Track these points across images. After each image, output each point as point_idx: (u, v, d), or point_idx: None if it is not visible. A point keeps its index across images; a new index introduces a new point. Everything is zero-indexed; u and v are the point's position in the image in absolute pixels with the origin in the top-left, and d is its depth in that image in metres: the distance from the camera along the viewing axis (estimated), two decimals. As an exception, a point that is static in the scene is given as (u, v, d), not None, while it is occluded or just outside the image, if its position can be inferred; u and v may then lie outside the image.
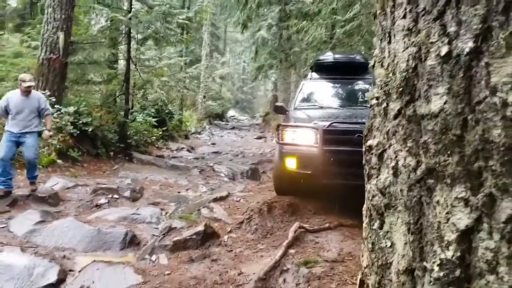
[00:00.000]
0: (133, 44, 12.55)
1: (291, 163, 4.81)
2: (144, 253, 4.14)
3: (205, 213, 5.19)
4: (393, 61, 1.61)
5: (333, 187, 4.63)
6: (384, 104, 1.67)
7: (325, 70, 6.56)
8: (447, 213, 1.33)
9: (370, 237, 1.77)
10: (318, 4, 12.12)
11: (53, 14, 9.21)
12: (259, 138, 19.91)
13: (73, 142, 8.70)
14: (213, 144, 16.54)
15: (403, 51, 1.54)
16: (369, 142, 1.80)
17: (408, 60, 1.50)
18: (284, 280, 3.32)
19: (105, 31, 12.51)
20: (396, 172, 1.59)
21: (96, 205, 5.80)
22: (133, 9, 11.05)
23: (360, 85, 6.34)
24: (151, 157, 10.88)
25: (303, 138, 4.79)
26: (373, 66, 1.78)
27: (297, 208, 4.95)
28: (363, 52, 9.39)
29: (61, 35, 9.14)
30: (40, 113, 5.88)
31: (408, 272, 1.52)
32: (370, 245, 1.77)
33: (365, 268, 1.83)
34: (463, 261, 1.29)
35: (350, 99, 6.12)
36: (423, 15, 1.43)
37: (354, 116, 5.02)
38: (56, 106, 8.45)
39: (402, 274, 1.55)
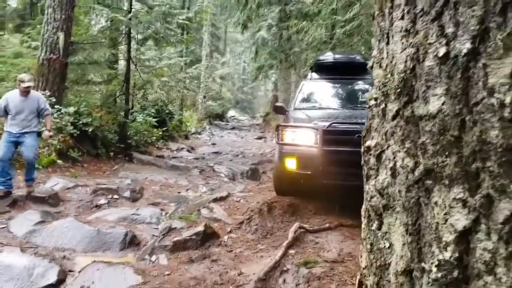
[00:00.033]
0: (133, 44, 12.55)
1: (291, 164, 4.80)
2: (144, 254, 4.14)
3: (205, 214, 5.19)
4: (391, 62, 1.61)
5: (333, 187, 4.63)
6: (383, 105, 1.67)
7: (325, 70, 6.56)
8: (445, 214, 1.34)
9: (369, 238, 1.77)
10: (318, 5, 12.13)
11: (53, 14, 9.21)
12: (259, 138, 19.91)
13: (73, 143, 8.70)
14: (213, 144, 16.54)
15: (401, 52, 1.54)
16: (368, 143, 1.81)
17: (406, 61, 1.50)
18: (284, 281, 3.32)
19: (105, 31, 12.51)
20: (394, 173, 1.59)
21: (96, 206, 5.79)
22: (133, 10, 11.05)
23: (360, 85, 6.33)
24: (151, 157, 10.88)
25: (303, 139, 4.78)
26: (372, 67, 1.79)
27: (297, 208, 4.95)
28: (363, 52, 9.39)
29: (61, 36, 9.15)
30: (39, 113, 5.87)
31: (406, 273, 1.52)
32: (368, 246, 1.77)
33: (363, 269, 1.83)
34: (461, 262, 1.29)
35: (350, 99, 6.11)
36: (421, 16, 1.43)
37: (354, 117, 5.02)
38: (56, 106, 8.45)
39: (400, 275, 1.55)
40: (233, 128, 26.22)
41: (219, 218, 5.08)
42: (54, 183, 6.66)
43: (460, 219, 1.28)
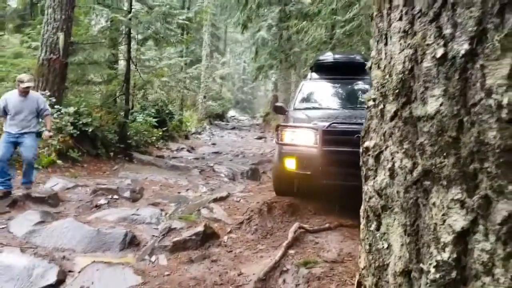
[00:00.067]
0: (133, 45, 12.56)
1: (290, 164, 4.80)
2: (143, 254, 4.14)
3: (205, 214, 5.19)
4: (389, 63, 1.62)
5: (333, 187, 4.62)
6: (381, 106, 1.67)
7: (325, 70, 6.55)
8: (443, 214, 1.34)
9: (367, 238, 1.77)
10: (318, 5, 12.13)
11: (53, 14, 9.22)
12: (260, 138, 19.91)
13: (73, 143, 8.71)
14: (213, 144, 16.55)
15: (399, 53, 1.54)
16: (366, 144, 1.81)
17: (404, 62, 1.50)
18: (284, 281, 3.32)
19: (105, 31, 12.51)
20: (392, 174, 1.60)
21: (96, 206, 5.80)
22: (133, 10, 11.06)
23: (360, 85, 6.33)
24: (151, 157, 10.89)
25: (303, 139, 4.78)
26: (370, 67, 1.79)
27: (297, 209, 4.95)
28: (363, 52, 9.38)
29: (61, 36, 9.15)
30: (39, 114, 5.87)
31: (404, 273, 1.52)
32: (367, 247, 1.77)
33: (362, 269, 1.84)
34: (459, 262, 1.29)
35: (350, 99, 6.11)
36: (419, 17, 1.43)
37: (353, 117, 5.01)
38: (56, 106, 8.46)
39: (398, 275, 1.55)
40: (233, 128, 26.23)
41: (219, 218, 5.09)
42: (54, 183, 6.66)
43: (458, 220, 1.28)
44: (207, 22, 24.12)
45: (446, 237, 1.32)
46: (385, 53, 1.67)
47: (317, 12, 12.34)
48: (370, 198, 1.76)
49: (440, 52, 1.33)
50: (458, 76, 1.27)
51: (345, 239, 4.10)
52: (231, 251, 4.15)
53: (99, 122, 9.75)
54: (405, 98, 1.51)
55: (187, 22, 12.84)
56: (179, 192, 7.15)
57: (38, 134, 5.94)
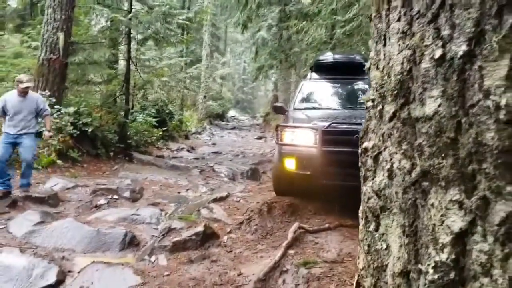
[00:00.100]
0: (133, 45, 12.56)
1: (290, 164, 4.80)
2: (143, 254, 4.14)
3: (205, 214, 5.19)
4: (388, 63, 1.62)
5: (333, 187, 4.62)
6: (380, 107, 1.67)
7: (324, 70, 6.54)
8: (441, 215, 1.34)
9: (366, 239, 1.77)
10: (318, 5, 12.13)
11: (53, 14, 9.22)
12: (260, 138, 19.91)
13: (73, 143, 8.71)
14: (214, 144, 16.55)
15: (398, 53, 1.54)
16: (365, 144, 1.81)
17: (402, 63, 1.50)
18: (284, 281, 3.32)
19: (105, 31, 12.51)
20: (391, 175, 1.60)
21: (96, 206, 5.80)
22: (133, 10, 11.06)
23: (360, 85, 6.32)
24: (151, 157, 10.89)
25: (302, 139, 4.78)
26: (369, 68, 1.79)
27: (297, 209, 4.95)
28: (363, 52, 9.39)
29: (61, 36, 9.15)
30: (38, 114, 5.86)
31: (403, 274, 1.52)
32: (366, 247, 1.77)
33: (361, 270, 1.84)
34: (458, 263, 1.29)
35: (350, 99, 6.10)
36: (417, 18, 1.43)
37: (353, 117, 5.01)
38: (56, 106, 8.46)
39: (397, 276, 1.55)
40: (233, 128, 26.22)
41: (219, 218, 5.08)
42: (54, 183, 6.66)
43: (457, 221, 1.29)
44: (207, 22, 24.12)
45: (445, 238, 1.32)
46: (384, 54, 1.67)
47: (317, 12, 12.35)
48: (368, 198, 1.76)
49: (438, 53, 1.33)
50: (456, 77, 1.27)
51: (344, 239, 4.10)
52: (231, 251, 4.15)
53: (99, 122, 9.76)
54: (403, 99, 1.51)
55: (187, 22, 12.85)
56: (179, 192, 7.15)
57: (38, 134, 5.94)
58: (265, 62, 19.19)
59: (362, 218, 1.85)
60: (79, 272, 3.61)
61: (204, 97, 25.33)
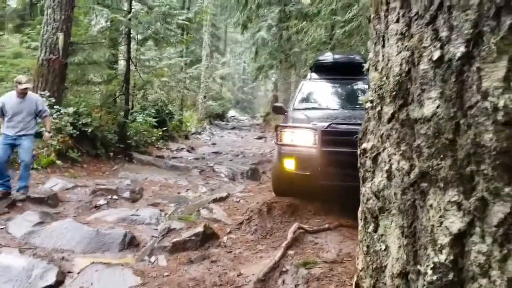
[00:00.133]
0: (133, 45, 12.56)
1: (289, 164, 4.79)
2: (143, 255, 4.13)
3: (205, 214, 5.19)
4: (387, 65, 1.62)
5: (332, 188, 4.62)
6: (378, 108, 1.67)
7: (324, 70, 6.53)
8: (440, 216, 1.34)
9: (365, 240, 1.77)
10: (317, 5, 12.12)
11: (52, 15, 9.22)
12: (260, 138, 19.91)
13: (73, 143, 8.71)
14: (213, 144, 16.55)
15: (396, 55, 1.54)
16: (364, 145, 1.81)
17: (401, 64, 1.50)
18: (283, 282, 3.32)
19: (105, 31, 12.50)
20: (390, 176, 1.60)
21: (95, 206, 5.79)
22: (133, 10, 11.06)
23: (359, 85, 6.32)
24: (151, 157, 10.88)
25: (302, 139, 4.77)
26: (368, 69, 1.79)
27: (297, 209, 4.94)
28: (362, 53, 9.39)
29: (60, 36, 9.15)
30: (37, 115, 5.85)
31: (402, 275, 1.53)
32: (365, 248, 1.77)
33: (360, 271, 1.84)
34: (456, 264, 1.29)
35: (350, 99, 6.09)
36: (415, 20, 1.43)
37: (353, 117, 5.00)
38: (55, 106, 8.46)
39: (396, 277, 1.55)
40: (233, 128, 26.22)
41: (219, 218, 5.08)
42: (53, 183, 6.66)
43: (455, 222, 1.29)
44: (207, 22, 24.12)
45: (443, 239, 1.32)
46: (383, 55, 1.67)
47: (317, 13, 12.35)
48: (367, 200, 1.76)
49: (436, 54, 1.33)
50: (454, 78, 1.27)
51: (344, 240, 4.10)
52: (231, 251, 4.15)
53: (98, 122, 9.75)
54: (402, 100, 1.52)
55: (187, 23, 12.84)
56: (178, 193, 7.15)
57: (37, 135, 5.92)
58: (265, 62, 19.20)
59: (361, 219, 1.85)
60: (78, 272, 3.61)
61: (204, 97, 25.33)
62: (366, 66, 1.80)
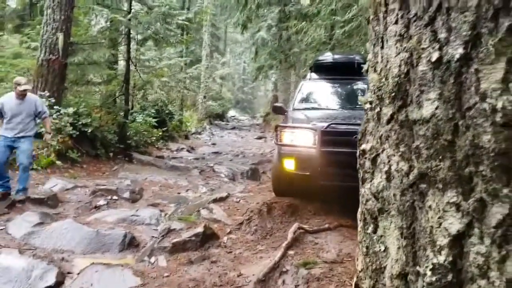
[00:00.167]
0: (133, 45, 12.56)
1: (289, 164, 4.80)
2: (143, 255, 4.13)
3: (205, 214, 5.19)
4: (385, 66, 1.62)
5: (332, 188, 4.62)
6: (377, 109, 1.68)
7: (324, 70, 6.53)
8: (439, 217, 1.34)
9: (365, 241, 1.78)
10: (317, 5, 12.13)
11: (52, 15, 9.22)
12: (260, 138, 19.91)
13: (73, 143, 8.71)
14: (213, 144, 16.55)
15: (395, 56, 1.54)
16: (363, 146, 1.81)
17: (400, 66, 1.50)
18: (283, 282, 3.32)
19: (105, 32, 12.50)
20: (389, 177, 1.60)
21: (95, 207, 5.79)
22: (132, 10, 11.06)
23: (359, 85, 6.32)
24: (151, 157, 10.89)
25: (302, 139, 4.77)
26: (367, 70, 1.79)
27: (297, 209, 4.94)
28: (362, 53, 9.39)
29: (60, 36, 9.15)
30: (37, 117, 5.84)
31: (401, 276, 1.53)
32: (364, 249, 1.78)
33: (359, 272, 1.84)
34: (455, 265, 1.30)
35: (349, 99, 6.09)
36: (414, 21, 1.43)
37: (353, 117, 5.00)
38: (55, 107, 8.46)
39: (395, 278, 1.55)
40: (233, 128, 26.23)
41: (219, 219, 5.08)
42: (53, 184, 6.66)
43: (454, 223, 1.29)
44: (207, 22, 24.13)
45: (442, 240, 1.32)
46: (382, 57, 1.67)
47: (317, 13, 12.35)
48: (367, 201, 1.76)
49: (435, 56, 1.33)
50: (453, 80, 1.27)
51: (344, 240, 4.10)
52: (231, 252, 4.15)
53: (98, 122, 9.76)
54: (401, 102, 1.52)
55: (186, 23, 12.85)
56: (178, 193, 7.15)
57: (37, 135, 5.91)
58: (265, 62, 19.21)
59: (360, 220, 1.85)
60: (78, 273, 3.61)
61: (204, 97, 25.34)
62: (365, 67, 1.80)
